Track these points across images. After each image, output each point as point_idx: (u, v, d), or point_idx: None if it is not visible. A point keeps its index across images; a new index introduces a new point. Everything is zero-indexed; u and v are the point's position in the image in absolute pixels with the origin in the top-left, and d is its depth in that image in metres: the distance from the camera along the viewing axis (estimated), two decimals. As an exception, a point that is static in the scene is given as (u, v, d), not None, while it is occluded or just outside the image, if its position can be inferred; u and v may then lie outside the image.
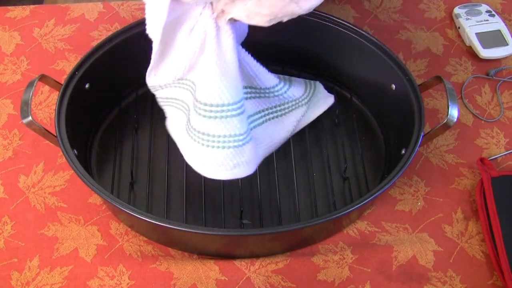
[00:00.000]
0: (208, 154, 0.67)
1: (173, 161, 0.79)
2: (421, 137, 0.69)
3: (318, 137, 0.82)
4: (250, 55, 0.69)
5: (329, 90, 0.86)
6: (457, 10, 0.97)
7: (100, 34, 0.95)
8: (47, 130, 0.70)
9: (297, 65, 0.88)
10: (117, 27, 0.96)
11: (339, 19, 0.79)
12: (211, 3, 0.62)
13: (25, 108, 0.67)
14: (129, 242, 0.73)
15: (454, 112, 0.68)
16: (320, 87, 0.82)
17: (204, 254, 0.73)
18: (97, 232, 0.74)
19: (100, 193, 0.64)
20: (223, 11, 0.62)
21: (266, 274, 0.71)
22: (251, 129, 0.71)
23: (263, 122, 0.74)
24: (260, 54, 0.90)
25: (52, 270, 0.71)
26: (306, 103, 0.78)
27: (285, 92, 0.75)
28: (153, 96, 0.85)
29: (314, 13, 0.80)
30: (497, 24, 0.94)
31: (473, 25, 0.94)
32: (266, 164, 0.79)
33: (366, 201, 0.64)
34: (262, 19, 0.61)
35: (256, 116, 0.74)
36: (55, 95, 0.87)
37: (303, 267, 0.72)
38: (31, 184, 0.78)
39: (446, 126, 0.69)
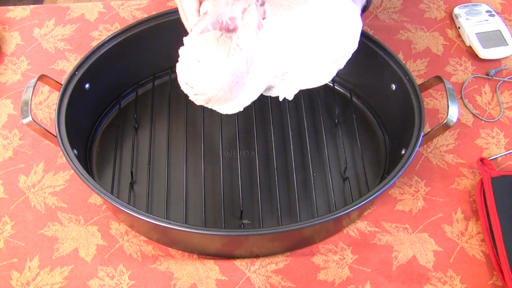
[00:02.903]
0: None
1: (173, 161, 0.79)
2: (421, 137, 0.69)
3: (318, 137, 0.82)
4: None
5: (329, 90, 0.86)
6: (457, 10, 0.97)
7: (100, 34, 0.95)
8: (47, 130, 0.70)
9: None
10: (117, 27, 0.96)
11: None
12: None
13: (25, 108, 0.68)
14: (129, 242, 0.73)
15: (454, 112, 0.68)
16: None
17: (204, 254, 0.73)
18: (97, 232, 0.74)
19: (100, 193, 0.64)
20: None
21: (266, 274, 0.71)
22: None
23: None
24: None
25: (52, 270, 0.71)
26: None
27: None
28: (153, 96, 0.85)
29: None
30: (497, 24, 0.94)
31: (473, 25, 0.94)
32: (266, 164, 0.79)
33: (366, 201, 0.64)
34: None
35: None
36: (55, 95, 0.87)
37: (303, 267, 0.72)
38: (31, 184, 0.78)
39: (446, 126, 0.69)
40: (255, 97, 0.64)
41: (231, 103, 0.63)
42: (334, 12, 0.62)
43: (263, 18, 0.61)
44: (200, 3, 0.66)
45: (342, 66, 0.67)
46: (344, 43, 0.64)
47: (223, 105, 0.63)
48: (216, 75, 0.59)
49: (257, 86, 0.63)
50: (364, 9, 0.72)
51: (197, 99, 0.62)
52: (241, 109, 0.64)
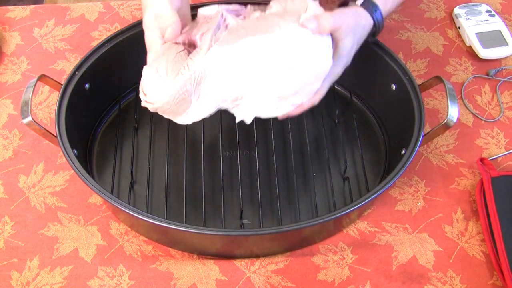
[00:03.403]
0: None
1: (173, 161, 0.79)
2: (421, 137, 0.69)
3: (318, 137, 0.82)
4: None
5: (330, 90, 0.86)
6: (457, 10, 0.97)
7: (100, 34, 0.95)
8: (47, 130, 0.70)
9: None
10: (117, 27, 0.96)
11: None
12: None
13: (25, 108, 0.68)
14: (129, 242, 0.73)
15: (454, 112, 0.68)
16: None
17: (204, 254, 0.73)
18: (97, 232, 0.74)
19: (100, 193, 0.64)
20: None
21: (266, 274, 0.71)
22: None
23: None
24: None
25: (52, 270, 0.71)
26: None
27: None
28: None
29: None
30: (497, 24, 0.94)
31: (473, 25, 0.94)
32: (266, 164, 0.79)
33: (366, 201, 0.64)
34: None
35: None
36: (55, 95, 0.87)
37: (303, 267, 0.72)
38: (31, 184, 0.78)
39: (446, 126, 0.69)
40: (205, 115, 0.66)
41: (180, 117, 0.65)
42: (285, 51, 0.61)
43: (215, 41, 0.62)
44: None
45: (300, 102, 0.67)
46: (294, 83, 0.64)
47: (171, 117, 0.66)
48: (163, 89, 0.62)
49: (206, 106, 0.65)
50: (373, 34, 0.71)
51: (147, 107, 0.64)
52: (190, 123, 0.66)
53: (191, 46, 0.65)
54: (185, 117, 0.65)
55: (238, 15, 0.66)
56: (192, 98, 0.62)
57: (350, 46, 0.67)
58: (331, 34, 0.65)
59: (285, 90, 0.64)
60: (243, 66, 0.61)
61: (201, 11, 0.67)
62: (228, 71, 0.62)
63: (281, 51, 0.61)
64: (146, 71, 0.64)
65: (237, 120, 0.68)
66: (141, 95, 0.65)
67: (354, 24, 0.67)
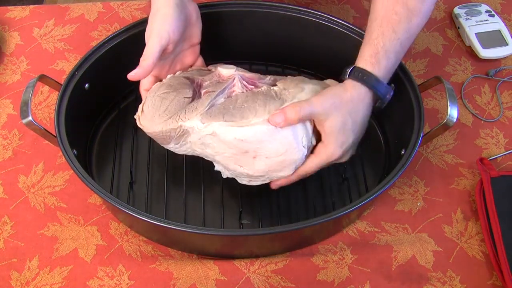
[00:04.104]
0: None
1: (172, 161, 0.79)
2: (421, 137, 0.69)
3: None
4: None
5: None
6: (457, 10, 0.97)
7: (100, 34, 0.95)
8: (47, 130, 0.70)
9: (296, 65, 0.88)
10: (117, 27, 0.96)
11: (338, 19, 0.79)
12: None
13: (25, 108, 0.67)
14: (128, 242, 0.73)
15: (453, 112, 0.68)
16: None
17: (204, 254, 0.73)
18: (96, 232, 0.74)
19: (100, 193, 0.64)
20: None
21: (266, 274, 0.71)
22: None
23: None
24: (261, 54, 0.90)
25: (52, 270, 0.71)
26: None
27: None
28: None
29: (314, 14, 0.80)
30: (497, 24, 0.94)
31: (473, 25, 0.94)
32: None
33: (365, 201, 0.64)
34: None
35: None
36: (55, 95, 0.87)
37: (303, 267, 0.72)
38: (31, 184, 0.78)
39: (446, 126, 0.69)
40: (180, 153, 0.72)
41: (163, 145, 0.72)
42: (248, 143, 0.65)
43: (211, 106, 0.67)
44: (162, 48, 0.69)
45: (270, 180, 0.70)
46: (257, 170, 0.67)
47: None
48: (151, 124, 0.69)
49: (182, 151, 0.71)
50: (381, 105, 0.71)
51: (137, 122, 0.71)
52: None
53: (197, 86, 0.71)
54: (162, 145, 0.72)
55: (250, 84, 0.71)
56: (172, 141, 0.69)
57: (339, 124, 0.66)
58: (313, 120, 0.67)
59: (250, 173, 0.68)
60: (216, 143, 0.67)
61: (219, 69, 0.73)
62: (204, 142, 0.68)
63: (244, 143, 0.65)
64: (155, 94, 0.69)
65: (215, 169, 0.72)
66: (139, 109, 0.70)
67: (335, 103, 0.66)
